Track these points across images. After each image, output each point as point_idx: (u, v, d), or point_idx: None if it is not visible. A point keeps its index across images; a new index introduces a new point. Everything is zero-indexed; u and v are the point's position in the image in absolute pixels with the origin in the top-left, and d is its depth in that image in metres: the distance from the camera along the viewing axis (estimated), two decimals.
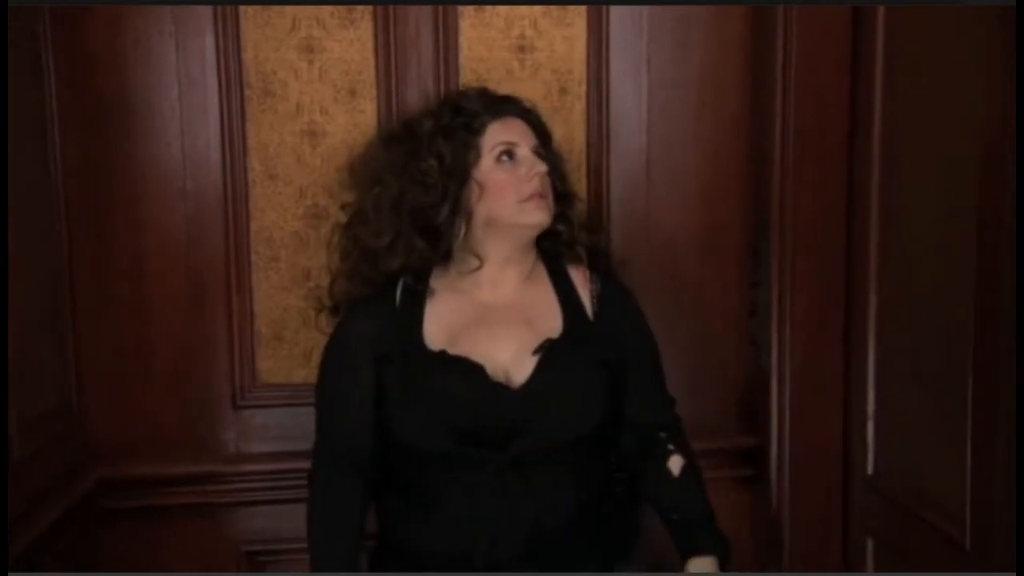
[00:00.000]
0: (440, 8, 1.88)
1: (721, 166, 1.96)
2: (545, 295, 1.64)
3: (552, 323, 1.60)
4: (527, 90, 1.82)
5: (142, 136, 1.85)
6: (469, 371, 1.52)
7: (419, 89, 1.87)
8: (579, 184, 1.94)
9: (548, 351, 1.55)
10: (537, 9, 1.91)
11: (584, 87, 1.94)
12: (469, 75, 1.89)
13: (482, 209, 1.57)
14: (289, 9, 1.86)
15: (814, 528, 1.91)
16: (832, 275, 1.86)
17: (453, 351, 1.54)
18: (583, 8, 1.92)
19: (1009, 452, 1.36)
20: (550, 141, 1.69)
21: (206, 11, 1.83)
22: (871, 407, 1.79)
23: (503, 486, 1.50)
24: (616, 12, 1.91)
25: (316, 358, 1.75)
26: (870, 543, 1.82)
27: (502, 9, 1.90)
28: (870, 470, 1.81)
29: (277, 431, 1.92)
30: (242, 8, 1.85)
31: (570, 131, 1.94)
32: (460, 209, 1.57)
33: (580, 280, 1.67)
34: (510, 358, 1.55)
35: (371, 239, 1.61)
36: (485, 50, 1.90)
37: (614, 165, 1.95)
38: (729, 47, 1.94)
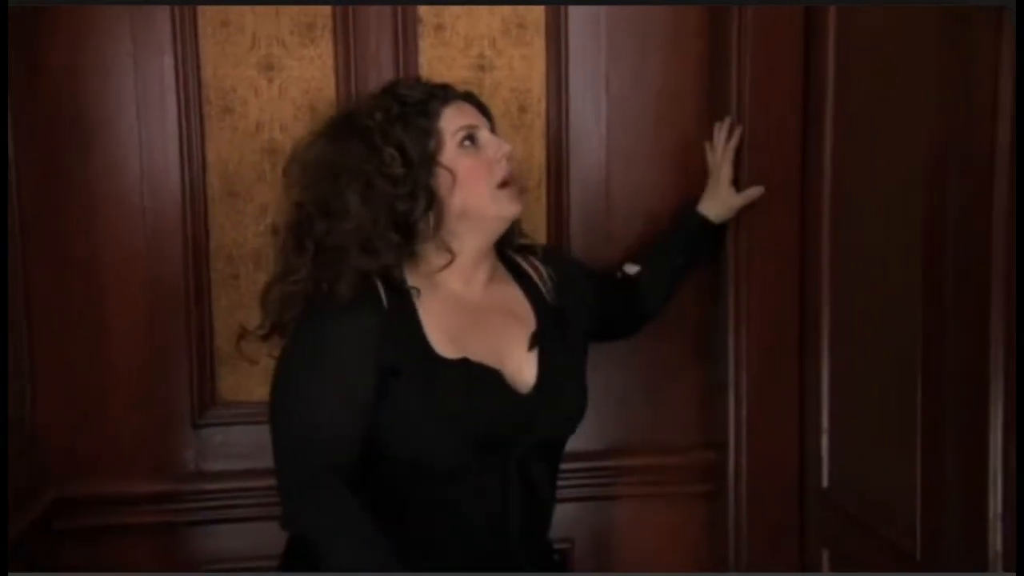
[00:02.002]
0: (400, 26, 1.88)
1: (681, 180, 1.97)
2: (510, 286, 1.60)
3: (530, 314, 1.57)
4: None
5: (100, 152, 1.84)
6: (490, 378, 1.46)
7: None
8: (539, 201, 1.96)
9: (541, 345, 1.52)
10: (496, 28, 1.92)
11: (543, 104, 1.95)
12: None
13: (456, 199, 1.47)
14: (248, 27, 1.86)
15: (771, 540, 1.92)
16: (787, 288, 1.87)
17: (472, 358, 1.46)
18: (542, 26, 1.93)
19: (956, 465, 1.38)
20: (494, 123, 1.61)
21: (165, 27, 1.83)
22: (825, 421, 1.81)
23: (505, 486, 1.47)
24: (575, 28, 1.93)
25: None
26: (825, 555, 1.84)
27: (461, 28, 1.91)
28: (825, 483, 1.82)
29: (237, 449, 1.90)
30: (201, 26, 1.84)
31: (530, 148, 1.95)
32: (433, 201, 1.46)
33: (528, 266, 1.63)
34: (516, 357, 1.51)
35: (350, 236, 1.44)
36: (445, 68, 1.91)
37: (574, 181, 1.96)
38: (686, 59, 1.95)
